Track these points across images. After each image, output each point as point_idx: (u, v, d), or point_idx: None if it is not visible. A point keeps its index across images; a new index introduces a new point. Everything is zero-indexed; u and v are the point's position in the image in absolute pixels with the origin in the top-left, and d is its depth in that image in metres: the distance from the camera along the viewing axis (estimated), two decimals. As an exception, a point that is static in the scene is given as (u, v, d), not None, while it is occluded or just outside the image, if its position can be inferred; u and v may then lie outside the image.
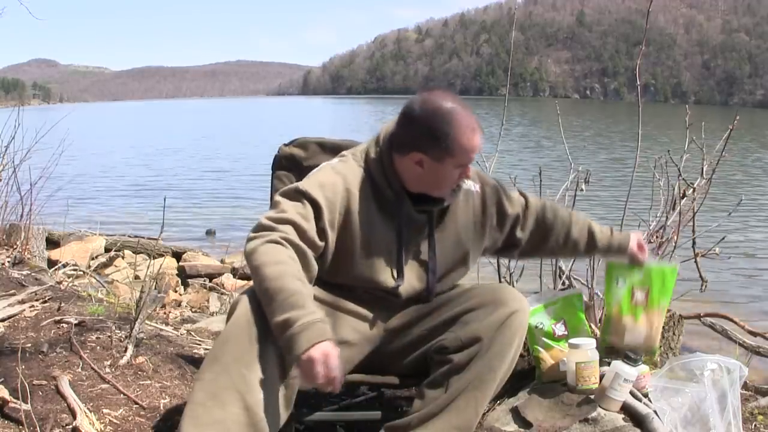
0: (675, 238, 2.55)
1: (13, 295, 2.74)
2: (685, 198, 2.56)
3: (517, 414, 1.81)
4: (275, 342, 1.35)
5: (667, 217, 2.58)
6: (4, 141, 4.21)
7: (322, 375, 1.26)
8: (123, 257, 5.97)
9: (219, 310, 4.34)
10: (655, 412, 1.70)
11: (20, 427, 1.64)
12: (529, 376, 1.99)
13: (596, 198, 8.23)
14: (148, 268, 4.68)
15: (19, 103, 4.75)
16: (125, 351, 2.12)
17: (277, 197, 1.50)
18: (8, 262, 3.49)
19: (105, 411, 1.80)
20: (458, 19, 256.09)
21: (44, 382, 1.88)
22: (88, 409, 1.76)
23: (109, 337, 2.23)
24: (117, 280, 4.96)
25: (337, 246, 1.53)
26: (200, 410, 1.30)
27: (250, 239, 1.40)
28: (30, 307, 2.57)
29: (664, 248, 2.54)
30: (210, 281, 5.51)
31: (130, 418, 1.80)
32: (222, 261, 6.14)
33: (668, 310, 2.70)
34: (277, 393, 1.35)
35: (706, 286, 2.73)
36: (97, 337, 2.24)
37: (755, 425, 1.92)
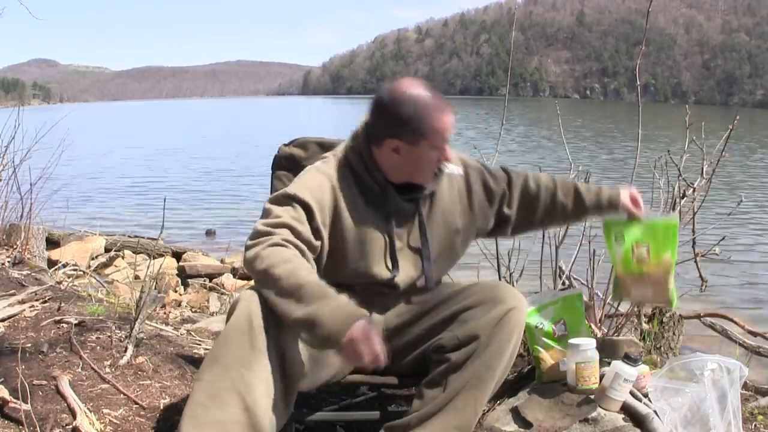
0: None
1: (13, 295, 2.74)
2: (685, 198, 2.56)
3: (517, 414, 1.80)
4: (275, 342, 1.35)
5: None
6: (4, 141, 4.21)
7: (367, 353, 1.27)
8: (123, 257, 5.97)
9: (219, 310, 4.34)
10: (655, 412, 1.69)
11: (20, 427, 1.64)
12: (529, 376, 1.99)
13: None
14: (148, 268, 4.68)
15: (19, 103, 4.75)
16: (125, 351, 2.12)
17: (267, 205, 1.50)
18: (8, 262, 3.49)
19: (105, 411, 1.80)
20: (458, 19, 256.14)
21: (44, 382, 1.88)
22: (88, 409, 1.76)
23: (109, 337, 2.23)
24: (117, 280, 4.96)
25: (330, 245, 1.54)
26: (200, 410, 1.30)
27: (249, 247, 1.41)
28: (30, 307, 2.57)
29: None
30: (210, 281, 5.51)
31: (130, 418, 1.80)
32: (222, 261, 6.14)
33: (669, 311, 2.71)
34: (277, 393, 1.35)
35: (706, 286, 2.73)
36: (97, 337, 2.24)
37: (755, 425, 1.92)
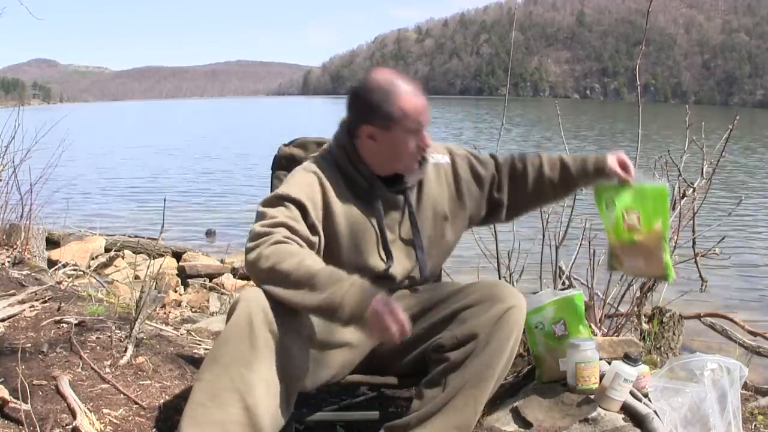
0: (675, 238, 2.55)
1: (13, 295, 2.74)
2: (685, 198, 2.56)
3: (517, 414, 1.80)
4: (275, 342, 1.35)
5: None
6: (4, 141, 4.22)
7: (393, 321, 1.29)
8: (123, 257, 5.97)
9: (219, 310, 4.34)
10: (655, 412, 1.69)
11: (20, 427, 1.64)
12: (529, 376, 1.99)
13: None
14: (148, 268, 4.68)
15: (19, 103, 4.75)
16: (125, 351, 2.12)
17: (261, 208, 1.51)
18: (8, 262, 3.49)
19: (105, 411, 1.80)
20: (458, 19, 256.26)
21: (44, 382, 1.88)
22: (88, 409, 1.76)
23: (109, 337, 2.23)
24: (117, 280, 4.96)
25: (324, 241, 1.55)
26: (200, 410, 1.30)
27: (250, 249, 1.41)
28: (30, 307, 2.57)
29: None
30: (210, 281, 5.51)
31: (130, 418, 1.80)
32: (222, 261, 6.14)
33: (668, 309, 2.71)
34: (277, 393, 1.35)
35: (706, 286, 2.73)
36: (97, 337, 2.24)
37: (755, 425, 1.92)
